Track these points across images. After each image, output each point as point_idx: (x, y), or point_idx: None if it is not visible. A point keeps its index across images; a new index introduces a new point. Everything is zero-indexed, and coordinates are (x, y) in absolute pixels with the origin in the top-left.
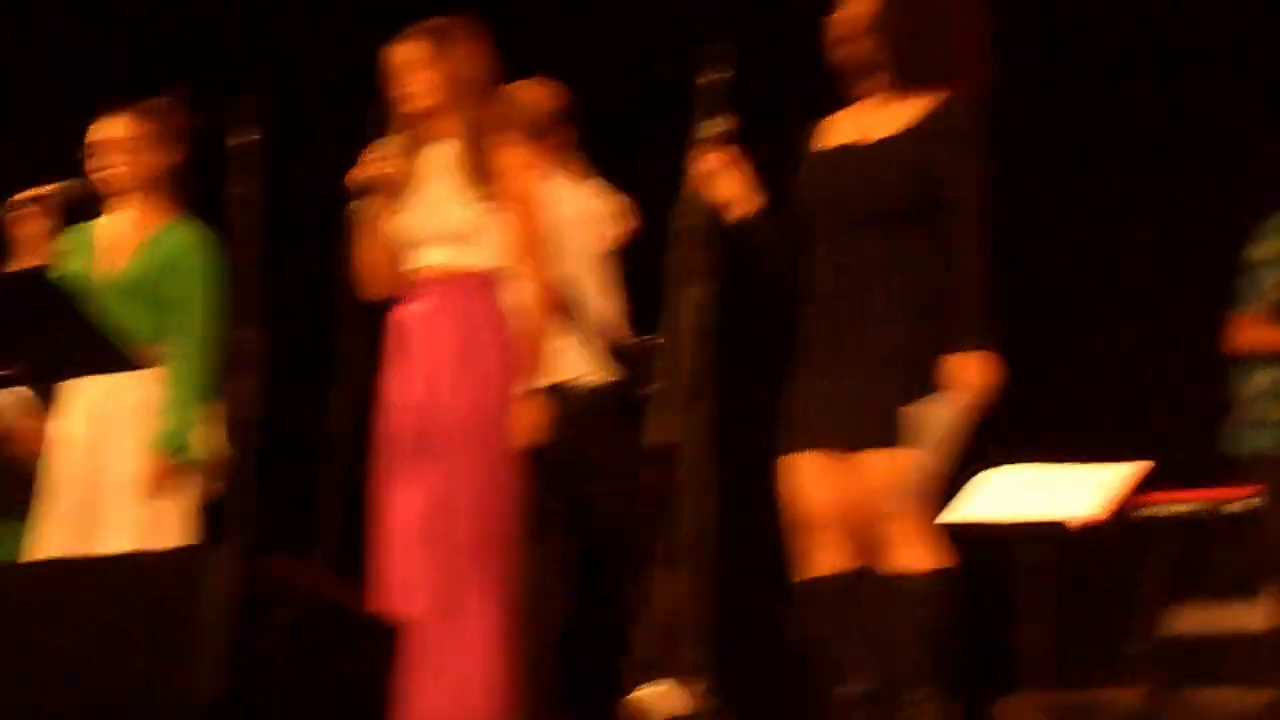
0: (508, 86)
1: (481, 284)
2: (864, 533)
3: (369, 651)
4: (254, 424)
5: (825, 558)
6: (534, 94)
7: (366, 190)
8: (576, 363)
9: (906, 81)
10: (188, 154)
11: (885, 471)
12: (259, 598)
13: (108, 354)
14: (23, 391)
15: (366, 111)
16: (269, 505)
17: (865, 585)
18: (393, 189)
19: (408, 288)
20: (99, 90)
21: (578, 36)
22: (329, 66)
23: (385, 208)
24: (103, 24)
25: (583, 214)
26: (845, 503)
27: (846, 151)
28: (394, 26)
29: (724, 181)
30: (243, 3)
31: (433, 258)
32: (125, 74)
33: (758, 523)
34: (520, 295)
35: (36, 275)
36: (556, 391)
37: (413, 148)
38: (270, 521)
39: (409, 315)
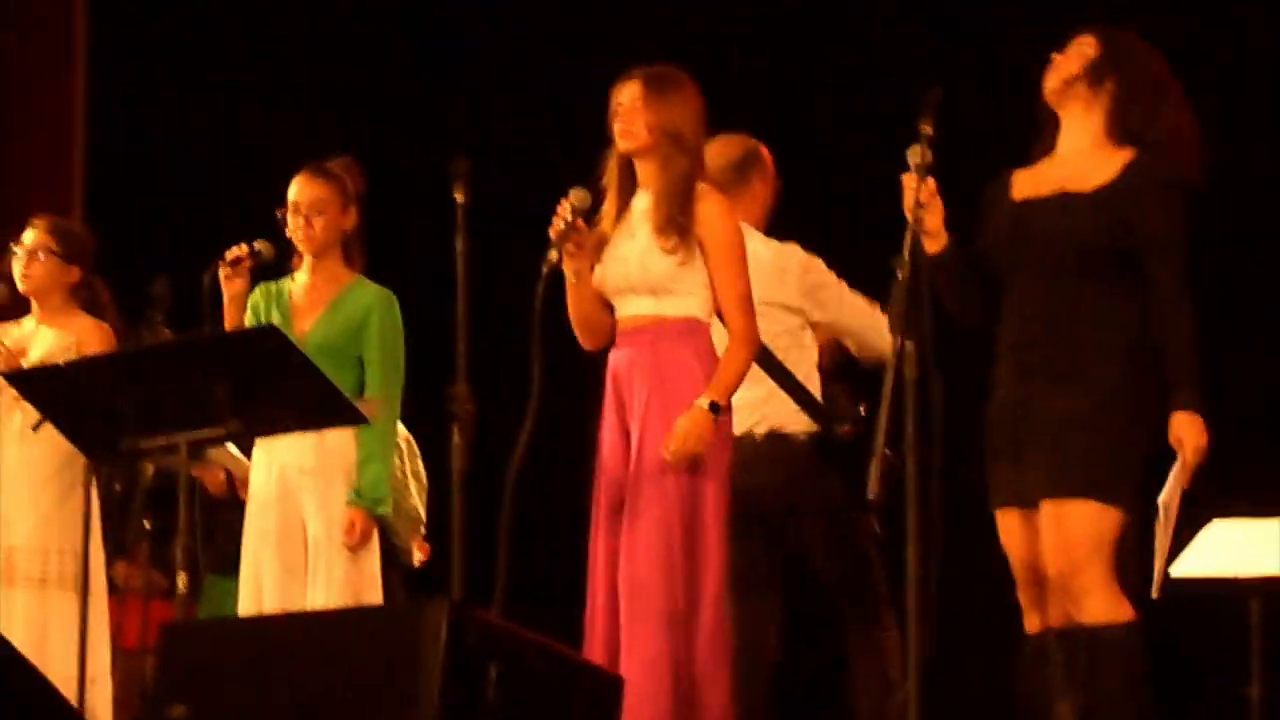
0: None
1: (682, 332)
2: (1065, 583)
3: (590, 703)
4: (464, 479)
5: (1039, 612)
6: (727, 145)
7: (557, 245)
8: (782, 412)
9: (1117, 132)
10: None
11: (1086, 522)
12: (475, 650)
13: (337, 409)
14: (235, 448)
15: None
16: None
17: (1067, 637)
18: (585, 240)
19: (616, 336)
20: (301, 150)
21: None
22: (530, 125)
23: (584, 258)
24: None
25: (777, 264)
26: (1048, 552)
27: (1052, 201)
28: (594, 80)
29: (931, 212)
30: (445, 64)
31: (635, 307)
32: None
33: (977, 573)
34: (724, 343)
35: (268, 331)
36: (768, 440)
37: (623, 191)
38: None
39: (613, 364)
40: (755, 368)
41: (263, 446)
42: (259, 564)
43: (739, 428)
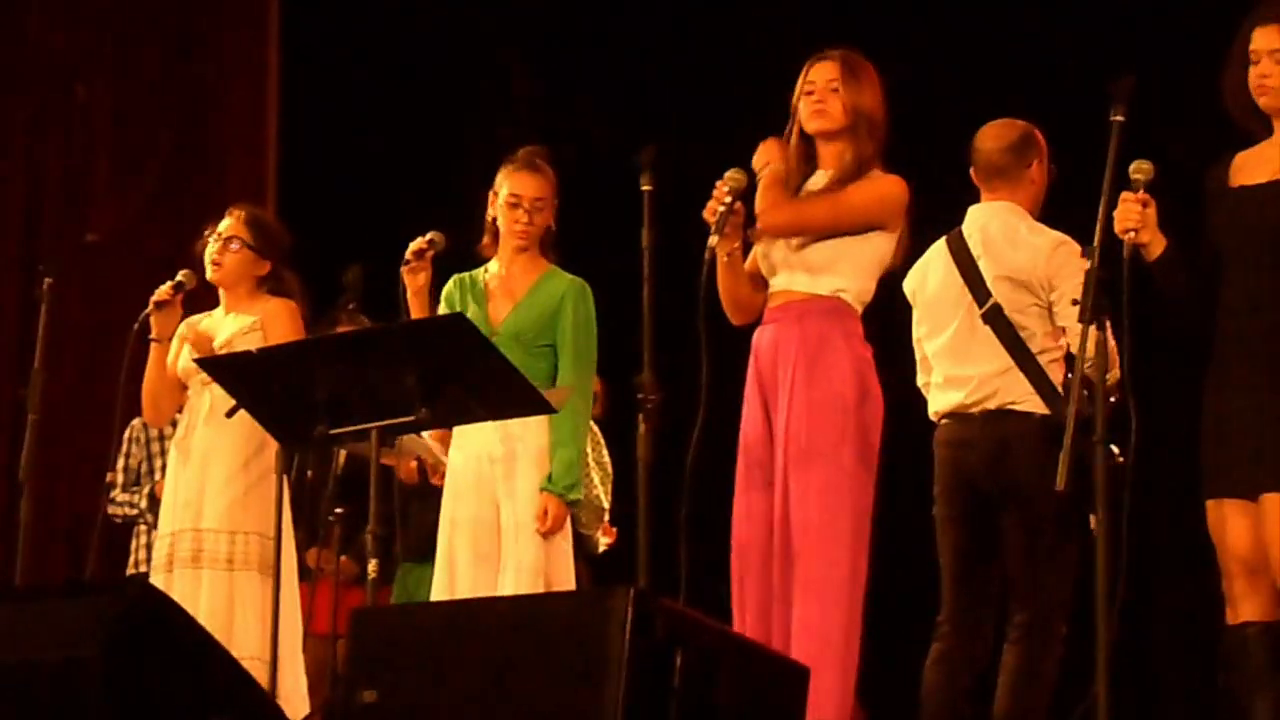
0: None
1: (829, 310)
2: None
3: (777, 691)
4: (650, 468)
5: (1249, 604)
6: (1004, 129)
7: (716, 230)
8: (1014, 389)
9: None
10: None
11: None
12: (661, 638)
13: (524, 398)
14: (431, 436)
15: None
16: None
17: (1274, 631)
18: (739, 225)
19: (764, 313)
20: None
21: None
22: (715, 113)
23: (737, 239)
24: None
25: (1038, 245)
26: (1273, 545)
27: (1269, 188)
28: (779, 64)
29: (1147, 224)
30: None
31: (788, 283)
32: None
33: (1173, 563)
34: None
35: (456, 320)
36: (994, 416)
37: (803, 170)
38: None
39: (757, 341)
40: (993, 341)
41: (459, 435)
42: (453, 550)
43: (965, 400)
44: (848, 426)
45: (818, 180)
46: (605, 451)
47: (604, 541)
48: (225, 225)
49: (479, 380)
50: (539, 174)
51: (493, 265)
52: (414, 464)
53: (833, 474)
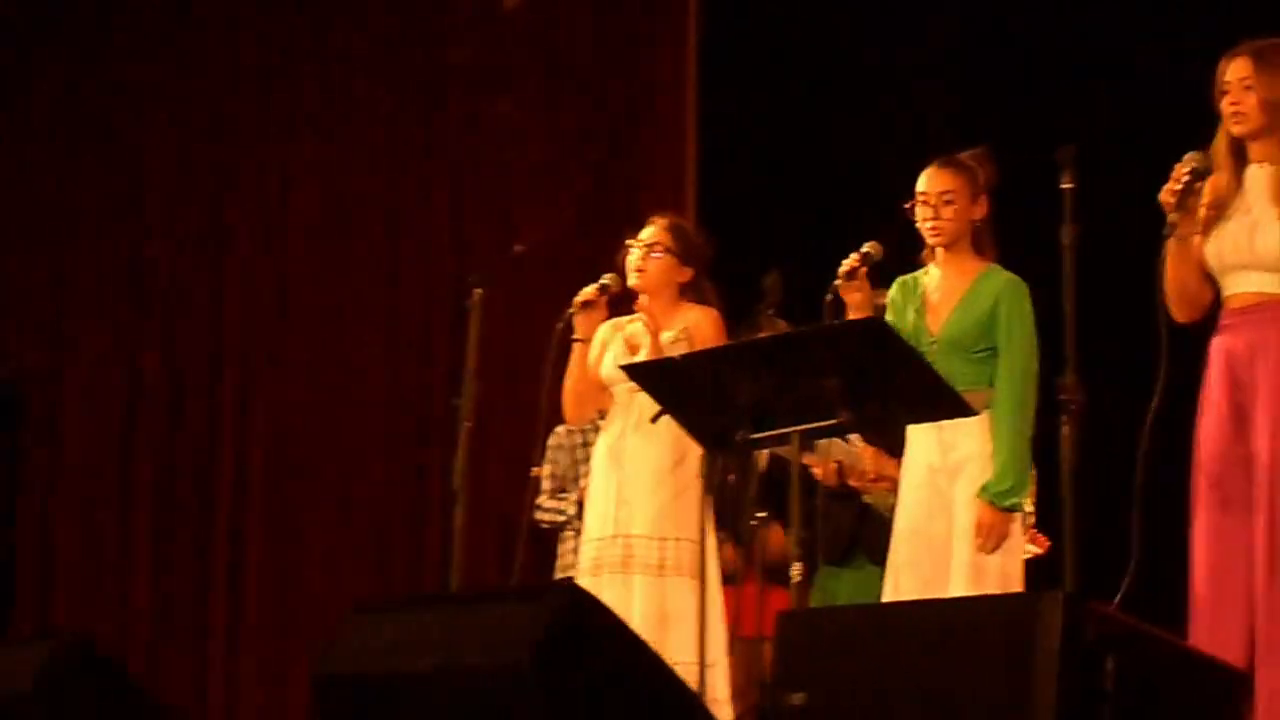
0: None
1: None
2: None
3: (1216, 699)
4: (1076, 472)
5: None
6: None
7: (1177, 208)
8: None
9: None
10: (996, 203)
11: None
12: (1092, 642)
13: (944, 401)
14: (857, 439)
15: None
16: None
17: None
18: (1197, 207)
19: (1224, 315)
20: (925, 144)
21: None
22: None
23: (1194, 226)
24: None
25: None
26: None
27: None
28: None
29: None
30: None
31: (1246, 284)
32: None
33: None
34: None
35: (874, 324)
36: None
37: (1234, 166)
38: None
39: (1227, 345)
40: None
41: (909, 444)
42: (899, 561)
43: None
44: None
45: (1258, 175)
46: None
47: (1033, 549)
48: (647, 233)
49: (898, 383)
50: (945, 170)
51: (933, 268)
52: (834, 466)
53: None
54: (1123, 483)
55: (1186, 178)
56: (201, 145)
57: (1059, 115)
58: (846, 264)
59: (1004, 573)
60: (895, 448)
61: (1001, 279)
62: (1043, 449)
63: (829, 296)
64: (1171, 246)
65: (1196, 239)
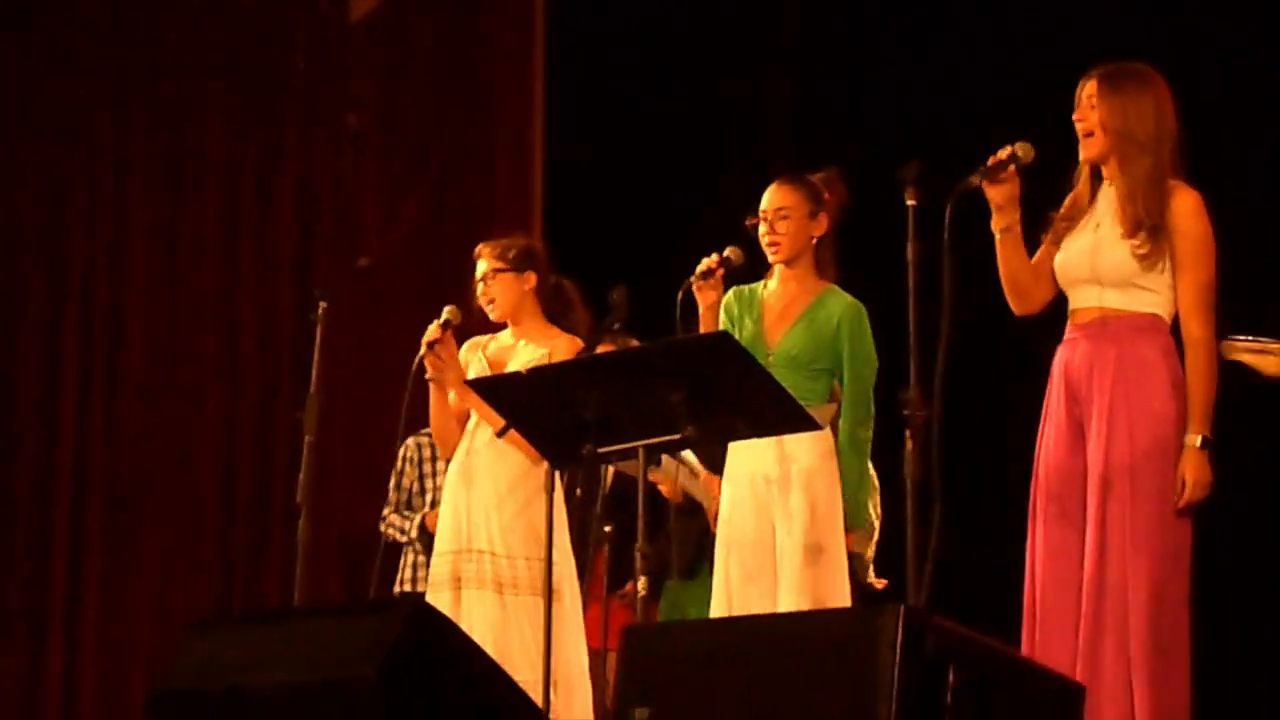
0: None
1: (1144, 328)
2: None
3: (1052, 710)
4: (920, 487)
5: None
6: None
7: (981, 174)
8: None
9: None
10: (839, 223)
11: None
12: (932, 656)
13: (788, 415)
14: (691, 454)
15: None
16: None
17: None
18: (1013, 194)
19: (1068, 329)
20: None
21: None
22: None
23: (1014, 213)
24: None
25: None
26: None
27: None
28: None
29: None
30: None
31: (1089, 299)
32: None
33: None
34: (1191, 344)
35: (720, 338)
36: None
37: (1092, 182)
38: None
39: (1065, 356)
40: None
41: (733, 457)
42: (729, 571)
43: None
44: (1166, 457)
45: (1107, 195)
46: (870, 464)
47: (878, 584)
48: (479, 268)
49: (744, 397)
50: (785, 186)
51: (772, 281)
52: (680, 486)
53: (1150, 514)
54: (969, 496)
55: (1005, 157)
56: (39, 156)
57: (905, 130)
58: (705, 263)
59: (827, 586)
60: (717, 464)
61: (844, 301)
62: (885, 462)
63: (681, 295)
64: (1001, 240)
65: (1018, 230)
